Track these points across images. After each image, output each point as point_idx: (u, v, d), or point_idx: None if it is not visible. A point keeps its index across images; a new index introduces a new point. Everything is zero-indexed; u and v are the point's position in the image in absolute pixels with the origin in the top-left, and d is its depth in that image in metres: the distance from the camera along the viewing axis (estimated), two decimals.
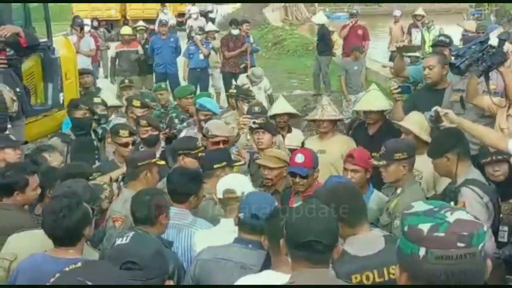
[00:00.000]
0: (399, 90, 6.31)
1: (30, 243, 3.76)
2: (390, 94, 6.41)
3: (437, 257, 1.76)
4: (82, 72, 10.25)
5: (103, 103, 7.67)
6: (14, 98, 7.42)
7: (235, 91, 8.14)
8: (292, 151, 5.97)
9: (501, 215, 4.54)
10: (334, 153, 6.09)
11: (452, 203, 4.21)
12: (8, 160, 5.49)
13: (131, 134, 6.18)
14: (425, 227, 1.79)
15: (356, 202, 3.55)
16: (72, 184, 4.26)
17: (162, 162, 5.11)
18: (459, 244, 1.76)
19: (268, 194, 4.23)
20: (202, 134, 6.27)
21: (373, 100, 6.43)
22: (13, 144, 5.96)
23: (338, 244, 2.99)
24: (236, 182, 4.35)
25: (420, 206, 1.89)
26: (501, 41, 5.00)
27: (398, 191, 4.79)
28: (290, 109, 7.29)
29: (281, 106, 7.26)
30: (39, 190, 4.82)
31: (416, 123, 5.58)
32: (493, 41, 5.94)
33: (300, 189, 5.22)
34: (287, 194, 5.45)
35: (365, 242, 3.47)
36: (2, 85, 7.26)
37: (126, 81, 10.59)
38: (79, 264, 1.97)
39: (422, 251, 1.78)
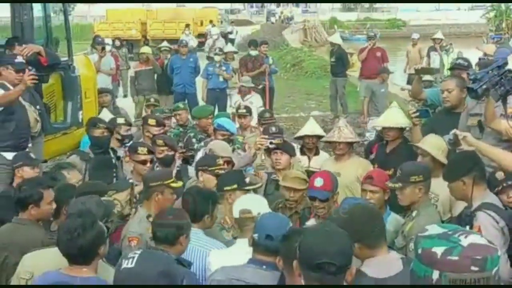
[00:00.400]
0: (417, 114, 6.30)
1: (45, 262, 3.77)
2: (408, 117, 6.40)
3: (451, 280, 1.75)
4: (101, 91, 10.34)
5: (127, 123, 7.69)
6: (38, 118, 7.54)
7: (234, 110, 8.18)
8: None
9: None
10: (349, 175, 6.05)
11: (467, 227, 4.19)
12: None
13: (149, 152, 6.18)
14: (439, 250, 1.78)
15: (376, 224, 3.56)
16: (86, 200, 4.28)
17: (176, 184, 5.00)
18: (473, 268, 1.74)
19: (282, 215, 4.20)
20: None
21: (393, 117, 6.42)
22: (31, 163, 6.02)
23: (351, 266, 2.98)
24: (253, 202, 4.36)
25: (434, 229, 1.89)
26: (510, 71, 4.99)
27: (414, 213, 4.77)
28: (320, 131, 7.25)
29: (311, 127, 7.21)
30: (54, 205, 4.84)
31: (434, 145, 5.56)
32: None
33: (320, 213, 5.16)
34: (306, 214, 5.44)
35: (384, 264, 3.47)
36: (28, 105, 7.36)
37: (152, 100, 10.69)
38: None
39: (435, 274, 1.77)
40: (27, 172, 5.90)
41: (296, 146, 7.11)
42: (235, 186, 5.03)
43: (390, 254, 3.58)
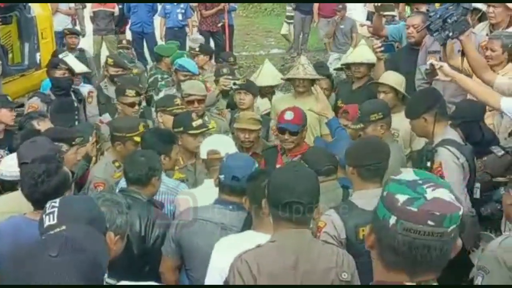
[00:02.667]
0: (382, 49, 6.33)
1: (5, 208, 3.76)
2: (373, 52, 6.42)
3: (405, 228, 1.76)
4: (71, 32, 10.11)
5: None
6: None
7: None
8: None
9: None
10: (309, 113, 6.01)
11: (428, 163, 4.28)
12: (4, 121, 5.42)
13: (137, 94, 6.04)
14: (401, 198, 1.78)
15: (376, 159, 3.68)
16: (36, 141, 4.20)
17: (139, 139, 4.89)
18: (429, 222, 1.74)
19: (248, 156, 4.22)
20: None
21: (362, 53, 6.45)
22: (9, 105, 5.92)
23: (318, 205, 3.03)
24: (220, 143, 4.39)
25: (407, 175, 1.87)
26: (465, 10, 5.00)
27: None
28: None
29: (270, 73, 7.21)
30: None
31: (395, 80, 5.64)
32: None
33: (289, 146, 5.18)
34: (272, 154, 5.40)
35: (375, 197, 3.52)
36: None
37: (124, 41, 10.47)
38: (63, 227, 1.96)
39: (392, 220, 1.78)
40: (5, 114, 5.80)
41: None
42: (181, 129, 5.01)
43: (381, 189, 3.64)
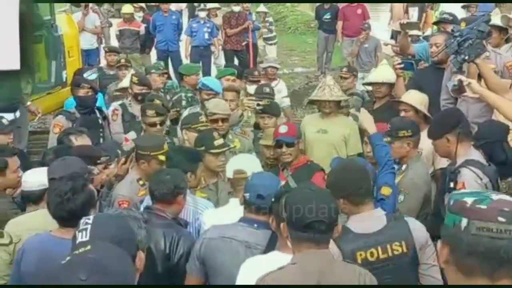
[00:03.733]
0: (402, 65, 6.33)
1: (31, 225, 3.78)
2: (393, 69, 6.41)
3: (478, 228, 1.82)
4: (110, 50, 10.19)
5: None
6: (30, 79, 7.53)
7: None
8: None
9: None
10: (336, 134, 6.02)
11: (451, 184, 4.26)
12: None
13: (158, 114, 6.04)
14: (469, 200, 1.87)
15: (363, 182, 3.61)
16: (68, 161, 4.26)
17: (164, 158, 4.89)
18: (500, 219, 1.82)
19: (273, 174, 4.21)
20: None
21: (384, 73, 6.44)
22: (3, 131, 5.94)
23: (338, 223, 3.03)
24: (246, 162, 4.41)
25: (466, 190, 2.00)
26: (481, 33, 4.99)
27: (403, 167, 4.84)
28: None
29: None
30: (20, 173, 4.78)
31: (416, 99, 5.62)
32: (497, 20, 5.95)
33: (287, 159, 5.28)
34: (274, 172, 5.31)
35: (368, 220, 3.54)
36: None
37: (123, 60, 10.49)
38: (88, 247, 1.98)
39: (464, 222, 1.85)
40: (1, 138, 5.84)
41: None
42: (202, 148, 5.02)
43: (375, 210, 3.63)
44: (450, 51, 5.00)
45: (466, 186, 4.22)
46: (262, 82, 8.24)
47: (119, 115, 7.15)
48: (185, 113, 6.88)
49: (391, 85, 6.39)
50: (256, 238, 3.54)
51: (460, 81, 4.81)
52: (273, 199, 3.28)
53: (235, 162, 4.49)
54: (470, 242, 1.83)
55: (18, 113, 7.45)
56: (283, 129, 5.39)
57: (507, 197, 1.91)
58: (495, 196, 1.87)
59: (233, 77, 7.91)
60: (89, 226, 2.40)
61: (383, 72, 6.48)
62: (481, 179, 4.32)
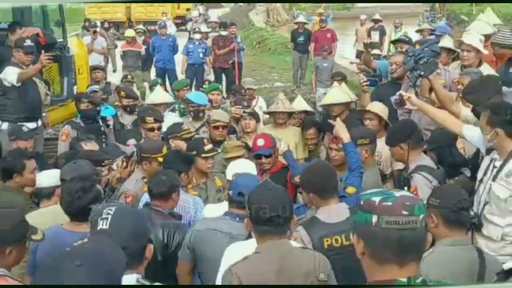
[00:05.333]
0: (367, 82, 6.38)
1: (43, 219, 3.74)
2: (359, 85, 6.44)
3: (387, 222, 1.84)
4: (95, 68, 10.20)
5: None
6: (48, 92, 7.58)
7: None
8: None
9: None
10: (289, 141, 6.00)
11: (405, 188, 4.30)
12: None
13: (156, 120, 6.10)
14: (377, 199, 1.88)
15: (330, 180, 3.65)
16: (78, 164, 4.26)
17: (162, 159, 4.92)
18: (404, 212, 1.84)
19: (253, 175, 4.21)
20: (206, 122, 6.35)
21: (334, 95, 6.44)
22: (24, 137, 6.03)
23: (294, 216, 3.07)
24: (244, 167, 4.42)
25: (373, 190, 2.01)
26: (433, 52, 5.04)
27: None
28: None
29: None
30: (36, 173, 4.77)
31: (380, 109, 5.67)
32: (446, 43, 5.99)
33: (266, 167, 5.29)
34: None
35: (334, 212, 3.56)
36: (39, 81, 7.39)
37: (129, 77, 10.55)
38: (85, 240, 1.98)
39: (374, 218, 1.86)
40: (21, 144, 5.84)
41: None
42: (194, 152, 5.01)
43: (340, 204, 3.66)
44: (408, 67, 5.03)
45: (418, 190, 4.27)
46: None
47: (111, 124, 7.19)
48: (166, 118, 6.87)
49: (342, 104, 6.28)
50: (238, 230, 3.54)
51: (401, 95, 4.83)
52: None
53: (235, 166, 4.50)
54: (381, 235, 1.85)
55: (39, 122, 7.44)
56: (260, 142, 5.33)
57: (407, 193, 1.96)
58: (397, 193, 1.90)
59: (217, 91, 7.93)
60: (110, 216, 2.38)
61: (334, 95, 6.45)
62: (430, 182, 4.37)
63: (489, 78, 5.03)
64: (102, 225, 2.36)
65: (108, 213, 2.39)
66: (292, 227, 3.08)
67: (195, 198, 4.60)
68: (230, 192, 3.68)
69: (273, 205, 2.91)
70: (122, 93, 7.55)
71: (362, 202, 1.92)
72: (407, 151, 4.51)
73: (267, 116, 7.91)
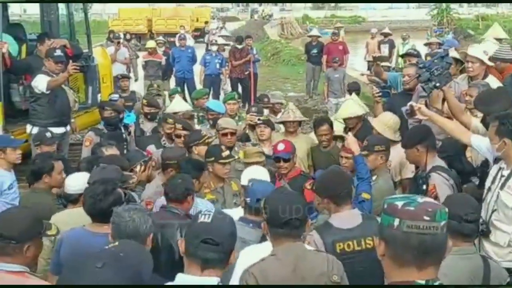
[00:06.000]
0: (380, 94, 6.36)
1: (68, 220, 3.76)
2: (372, 97, 6.40)
3: (408, 226, 1.83)
4: (123, 76, 10.27)
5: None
6: (76, 99, 7.65)
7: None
8: None
9: None
10: (300, 149, 5.93)
11: (424, 187, 4.25)
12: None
13: (184, 128, 6.17)
14: (399, 203, 1.87)
15: (344, 187, 3.59)
16: (106, 167, 4.25)
17: None
18: (425, 218, 1.83)
19: (269, 183, 4.18)
20: (215, 129, 6.31)
21: (350, 108, 6.40)
22: (47, 142, 5.98)
23: (308, 219, 3.03)
24: (259, 174, 4.39)
25: (398, 195, 2.00)
26: (447, 64, 4.99)
27: (374, 178, 4.80)
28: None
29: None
30: (64, 175, 4.81)
31: (382, 123, 5.64)
32: (454, 54, 5.94)
33: (284, 171, 5.24)
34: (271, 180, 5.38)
35: (347, 218, 3.52)
36: (68, 88, 7.46)
37: (155, 85, 10.62)
38: (116, 243, 1.96)
39: (396, 222, 1.85)
40: (45, 149, 5.86)
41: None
42: (212, 159, 5.00)
43: (353, 210, 3.62)
44: (423, 79, 4.97)
45: (437, 188, 4.22)
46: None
47: (132, 131, 7.25)
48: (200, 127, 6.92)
49: (358, 117, 6.22)
50: (250, 235, 3.52)
51: (411, 106, 4.80)
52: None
53: (249, 172, 4.46)
54: (402, 238, 1.85)
55: (68, 127, 7.50)
56: (280, 146, 5.32)
57: (430, 200, 1.94)
58: (420, 199, 1.88)
59: (233, 101, 7.84)
60: (211, 214, 2.41)
61: (350, 108, 6.41)
62: (448, 180, 4.32)
63: (500, 89, 4.97)
64: (204, 218, 2.35)
65: (209, 211, 2.42)
66: (307, 229, 3.03)
67: (208, 204, 4.53)
68: (248, 199, 3.65)
69: (289, 209, 2.89)
70: (144, 101, 7.66)
71: (385, 206, 1.91)
72: (425, 153, 4.45)
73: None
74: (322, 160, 5.95)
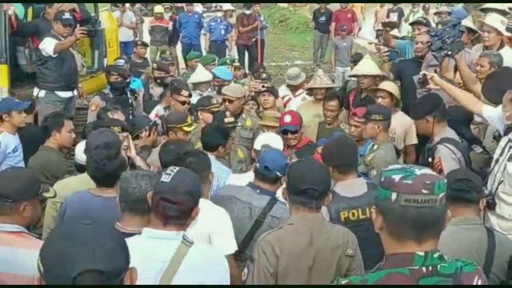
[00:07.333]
0: (388, 53, 6.35)
1: (73, 186, 3.74)
2: (380, 56, 6.35)
3: (406, 200, 1.77)
4: (142, 43, 10.23)
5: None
6: (84, 63, 7.60)
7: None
8: None
9: None
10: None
11: (430, 159, 4.20)
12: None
13: (189, 95, 6.16)
14: (397, 176, 1.81)
15: (349, 155, 3.59)
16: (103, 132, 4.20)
17: (188, 128, 4.97)
18: (424, 191, 1.77)
19: (282, 152, 4.12)
20: (220, 96, 6.28)
21: (367, 67, 6.31)
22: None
23: (329, 193, 2.97)
24: (272, 140, 4.42)
25: (395, 166, 1.92)
26: (460, 32, 4.89)
27: (375, 147, 4.77)
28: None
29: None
30: (73, 135, 4.90)
31: (390, 87, 5.62)
32: (467, 23, 5.83)
33: (292, 143, 5.24)
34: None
35: (352, 186, 3.51)
36: (76, 52, 7.41)
37: (168, 52, 10.60)
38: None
39: (394, 195, 1.79)
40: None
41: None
42: (216, 123, 5.00)
43: (359, 179, 3.59)
44: (435, 47, 4.89)
45: (442, 160, 4.17)
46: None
47: (140, 96, 7.33)
48: (204, 94, 6.86)
49: (373, 77, 6.18)
50: (257, 201, 3.53)
51: (424, 75, 4.74)
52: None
53: (263, 138, 4.48)
54: (400, 212, 1.79)
55: (75, 92, 7.45)
56: (287, 118, 5.30)
57: (428, 171, 1.86)
58: (418, 171, 1.82)
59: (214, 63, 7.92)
60: (173, 173, 2.51)
61: (366, 66, 6.32)
62: (455, 154, 4.27)
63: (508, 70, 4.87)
64: (165, 179, 2.46)
65: (171, 170, 2.51)
66: (327, 203, 2.99)
67: (228, 170, 4.51)
68: (257, 164, 3.64)
69: (310, 178, 2.86)
70: (154, 65, 7.67)
71: (383, 179, 1.85)
72: (432, 124, 4.39)
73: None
74: (324, 137, 5.87)
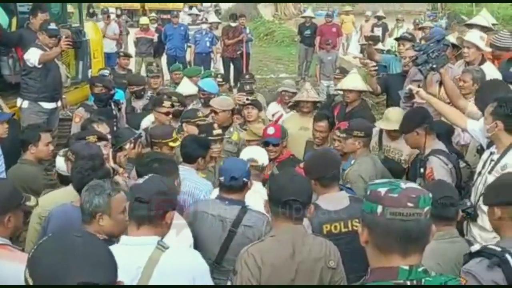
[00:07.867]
0: (376, 67, 6.36)
1: (60, 198, 3.69)
2: (367, 69, 6.39)
3: (391, 213, 1.79)
4: (125, 54, 10.16)
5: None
6: (68, 74, 7.56)
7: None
8: None
9: None
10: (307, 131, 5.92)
11: (422, 170, 4.23)
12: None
13: (172, 105, 6.04)
14: (383, 189, 1.82)
15: (331, 168, 3.58)
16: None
17: (173, 144, 4.90)
18: (409, 204, 1.79)
19: (240, 159, 4.10)
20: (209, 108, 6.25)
21: (353, 81, 6.35)
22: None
23: (311, 204, 2.99)
24: (258, 153, 4.38)
25: (381, 180, 1.94)
26: (444, 46, 4.96)
27: (352, 162, 4.80)
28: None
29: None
30: (51, 147, 4.85)
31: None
32: (451, 38, 5.91)
33: (272, 156, 5.16)
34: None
35: (334, 199, 3.52)
36: (60, 63, 7.37)
37: (154, 64, 10.50)
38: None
39: (379, 209, 1.81)
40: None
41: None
42: (204, 135, 4.96)
43: (340, 192, 3.60)
44: (420, 61, 4.95)
45: (434, 171, 4.20)
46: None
47: (123, 108, 7.21)
48: (189, 107, 6.84)
49: (358, 92, 6.24)
50: (227, 213, 3.51)
51: (410, 90, 4.78)
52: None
53: (248, 152, 4.42)
54: (385, 225, 1.80)
55: (59, 103, 7.40)
56: (271, 130, 5.29)
57: (413, 185, 1.89)
58: (403, 185, 1.84)
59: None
60: (146, 177, 2.70)
61: (352, 81, 6.37)
62: (446, 164, 4.30)
63: (496, 81, 4.94)
64: (139, 181, 2.62)
65: (148, 175, 2.68)
66: (309, 214, 3.01)
67: (207, 184, 4.42)
68: (221, 178, 3.58)
69: (292, 190, 2.87)
70: (126, 81, 7.61)
71: (369, 192, 1.86)
72: (424, 136, 4.41)
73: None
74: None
